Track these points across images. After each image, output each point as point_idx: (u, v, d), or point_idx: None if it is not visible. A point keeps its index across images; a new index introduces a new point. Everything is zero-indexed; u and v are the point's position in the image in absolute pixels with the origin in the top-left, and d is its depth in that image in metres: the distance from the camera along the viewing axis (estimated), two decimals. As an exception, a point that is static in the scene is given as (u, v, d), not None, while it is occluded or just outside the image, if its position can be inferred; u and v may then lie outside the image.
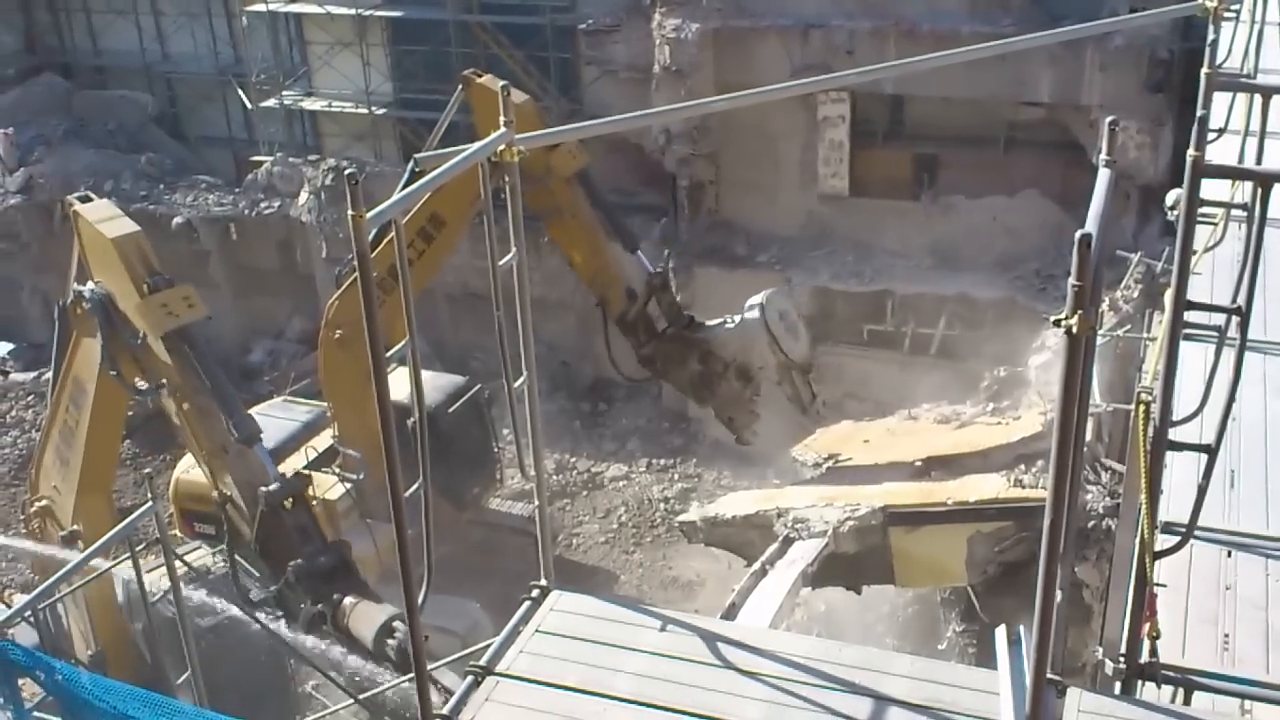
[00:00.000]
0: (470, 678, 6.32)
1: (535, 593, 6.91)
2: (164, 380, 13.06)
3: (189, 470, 20.06)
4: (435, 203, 15.24)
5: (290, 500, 13.13)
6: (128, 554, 9.09)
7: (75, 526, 14.42)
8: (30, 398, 28.79)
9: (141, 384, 13.45)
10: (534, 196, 15.18)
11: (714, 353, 16.72)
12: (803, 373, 16.82)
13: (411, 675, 5.64)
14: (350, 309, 15.88)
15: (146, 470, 24.57)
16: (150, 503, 8.58)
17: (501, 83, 6.52)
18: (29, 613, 9.07)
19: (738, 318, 16.65)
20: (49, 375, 14.83)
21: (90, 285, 13.29)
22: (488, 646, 6.54)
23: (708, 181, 26.78)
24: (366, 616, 12.43)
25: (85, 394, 13.86)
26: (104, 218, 13.53)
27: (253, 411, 14.15)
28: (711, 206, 26.99)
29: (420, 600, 5.64)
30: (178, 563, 10.10)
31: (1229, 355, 5.73)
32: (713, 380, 16.89)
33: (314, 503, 14.07)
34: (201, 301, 13.16)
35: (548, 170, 15.53)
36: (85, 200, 13.61)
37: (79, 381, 13.94)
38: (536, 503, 6.98)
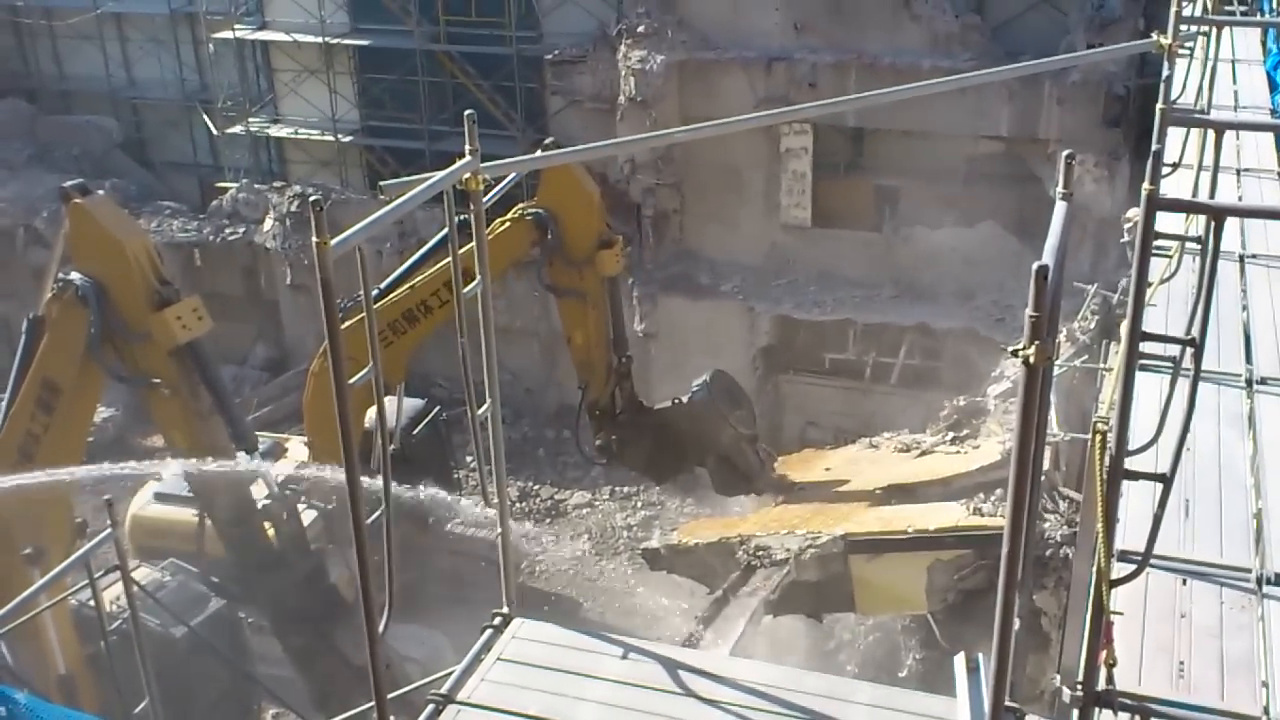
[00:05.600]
0: (431, 706, 6.29)
1: (497, 620, 6.89)
2: (154, 378, 12.96)
3: (144, 507, 19.86)
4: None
5: (285, 513, 13.55)
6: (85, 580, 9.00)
7: (28, 550, 13.53)
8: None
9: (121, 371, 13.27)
10: (564, 277, 16.26)
11: (671, 429, 17.49)
12: (751, 443, 17.49)
13: (372, 704, 5.61)
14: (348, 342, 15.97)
15: (106, 496, 24.24)
16: (110, 528, 8.51)
17: (468, 111, 6.55)
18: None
19: (685, 398, 17.37)
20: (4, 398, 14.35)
21: (77, 275, 12.95)
22: (449, 674, 6.51)
23: (672, 211, 26.92)
24: None
25: (56, 393, 13.27)
26: (110, 216, 13.31)
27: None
28: (676, 236, 27.14)
29: (382, 628, 5.62)
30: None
31: (1183, 386, 5.80)
32: (681, 452, 17.61)
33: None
34: (207, 312, 13.12)
35: (590, 261, 16.17)
36: (84, 191, 13.24)
37: (49, 382, 13.30)
38: (500, 530, 6.98)
